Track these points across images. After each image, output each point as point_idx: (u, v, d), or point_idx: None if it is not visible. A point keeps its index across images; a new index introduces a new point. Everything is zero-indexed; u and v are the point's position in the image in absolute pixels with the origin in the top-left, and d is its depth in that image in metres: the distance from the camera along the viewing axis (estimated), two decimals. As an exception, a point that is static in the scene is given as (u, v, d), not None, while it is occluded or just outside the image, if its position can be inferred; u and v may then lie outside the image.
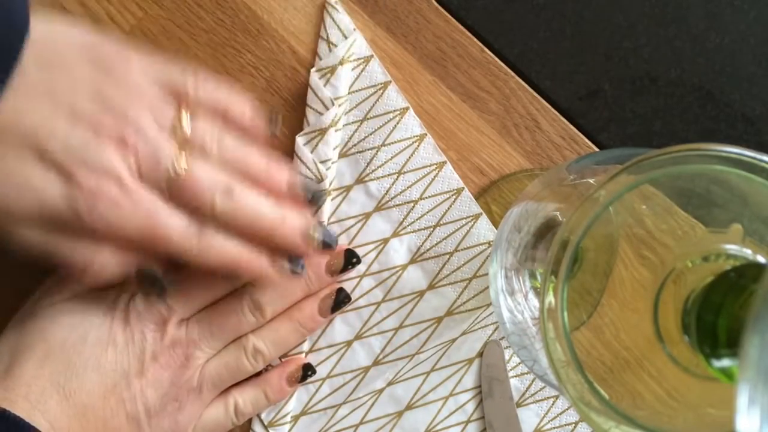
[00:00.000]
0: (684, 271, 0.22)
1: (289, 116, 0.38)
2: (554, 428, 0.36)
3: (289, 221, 0.32)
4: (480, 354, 0.36)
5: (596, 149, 0.38)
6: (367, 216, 0.37)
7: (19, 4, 0.27)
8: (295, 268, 0.33)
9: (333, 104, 0.36)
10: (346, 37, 0.37)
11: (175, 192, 0.30)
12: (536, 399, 0.36)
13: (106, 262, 0.30)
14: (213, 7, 0.38)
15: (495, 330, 0.36)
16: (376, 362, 0.36)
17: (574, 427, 0.36)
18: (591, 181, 0.24)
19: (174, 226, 0.29)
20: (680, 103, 0.38)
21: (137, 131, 0.29)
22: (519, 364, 0.36)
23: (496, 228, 0.37)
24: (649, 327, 0.22)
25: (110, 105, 0.29)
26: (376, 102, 0.37)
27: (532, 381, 0.36)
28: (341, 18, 0.37)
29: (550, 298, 0.21)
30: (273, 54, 0.38)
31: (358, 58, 0.37)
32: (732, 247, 0.21)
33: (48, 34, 0.29)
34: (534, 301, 0.27)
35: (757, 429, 0.15)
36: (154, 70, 0.31)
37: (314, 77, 0.37)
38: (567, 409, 0.36)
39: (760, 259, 0.21)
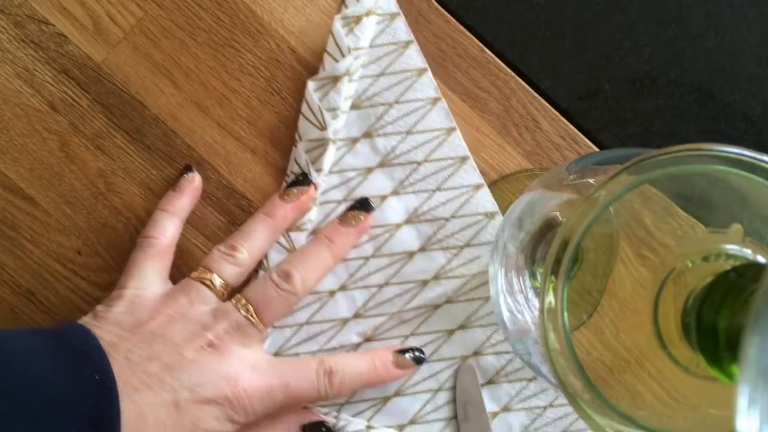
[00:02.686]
0: (684, 271, 0.22)
1: (288, 116, 0.38)
2: (523, 409, 0.36)
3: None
4: (462, 327, 0.36)
5: (596, 149, 0.38)
6: (369, 170, 0.37)
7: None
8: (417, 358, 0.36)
9: (350, 53, 0.36)
10: None
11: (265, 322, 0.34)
12: (510, 379, 0.36)
13: None
14: (213, 7, 0.38)
15: (482, 306, 0.36)
16: (356, 315, 0.36)
17: (543, 411, 0.36)
18: (591, 181, 0.24)
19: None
20: (680, 103, 0.38)
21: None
22: (498, 342, 0.36)
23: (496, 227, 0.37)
24: (649, 327, 0.22)
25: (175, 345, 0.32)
26: (395, 59, 0.37)
27: (509, 361, 0.36)
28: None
29: (550, 298, 0.21)
30: (273, 54, 0.38)
31: (384, 13, 0.37)
32: (732, 247, 0.21)
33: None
34: (534, 301, 0.27)
35: (757, 429, 0.15)
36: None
37: (337, 24, 0.37)
38: (539, 392, 0.36)
39: (760, 259, 0.21)
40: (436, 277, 0.36)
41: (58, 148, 0.38)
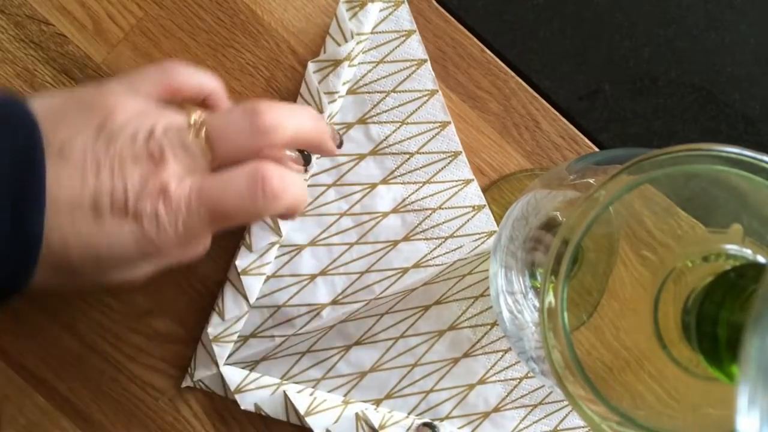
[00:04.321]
0: (684, 271, 0.22)
1: (289, 116, 0.38)
2: (499, 381, 0.37)
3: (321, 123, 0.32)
4: (437, 302, 0.37)
5: (596, 149, 0.38)
6: (360, 157, 0.37)
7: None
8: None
9: (352, 38, 0.36)
10: None
11: (218, 153, 0.29)
12: (486, 351, 0.37)
13: (200, 251, 0.31)
14: (213, 7, 0.38)
15: (458, 282, 0.37)
16: (334, 301, 0.36)
17: (519, 382, 0.37)
18: (591, 181, 0.24)
19: (232, 194, 0.29)
20: (680, 103, 0.38)
21: (155, 140, 0.29)
22: (473, 315, 0.37)
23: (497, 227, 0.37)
24: (649, 327, 0.22)
25: (117, 135, 0.28)
26: (396, 47, 0.37)
27: (485, 333, 0.37)
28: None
29: (550, 298, 0.21)
30: (273, 54, 0.38)
31: (389, 0, 0.37)
32: (732, 247, 0.21)
33: (42, 109, 0.28)
34: (534, 301, 0.27)
35: (757, 429, 0.15)
36: (129, 85, 0.31)
37: (341, 8, 0.37)
38: (515, 364, 0.37)
39: (760, 259, 0.21)
40: (416, 266, 0.36)
41: (58, 148, 0.37)
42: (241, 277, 0.36)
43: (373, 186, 0.37)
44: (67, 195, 0.27)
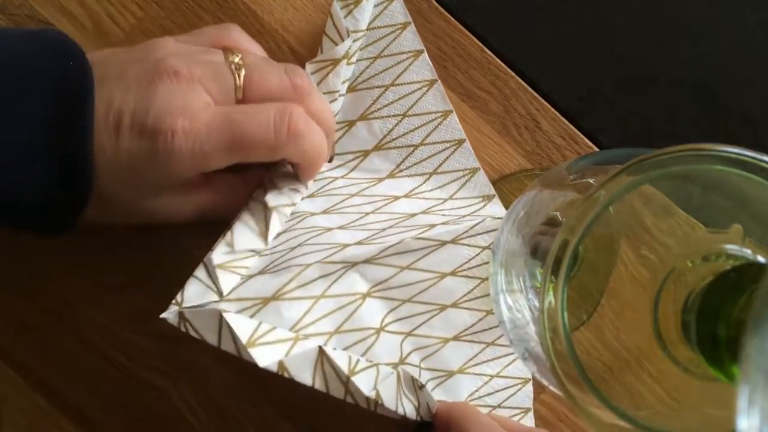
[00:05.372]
0: (684, 271, 0.22)
1: (289, 116, 0.38)
2: (474, 374, 0.36)
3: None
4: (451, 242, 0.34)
5: (596, 149, 0.38)
6: (365, 154, 0.37)
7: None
8: None
9: (349, 36, 0.36)
10: None
11: (248, 95, 0.30)
12: (472, 340, 0.36)
13: (230, 201, 0.32)
14: (213, 7, 0.38)
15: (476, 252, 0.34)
16: (359, 242, 0.32)
17: (490, 379, 0.36)
18: (591, 181, 0.24)
19: (257, 122, 0.29)
20: (680, 103, 0.38)
21: (192, 66, 0.29)
22: (476, 298, 0.35)
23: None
24: (649, 327, 0.22)
25: (152, 60, 0.29)
26: (392, 41, 0.37)
27: (480, 319, 0.35)
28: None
29: (550, 298, 0.21)
30: (273, 54, 0.38)
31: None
32: (732, 247, 0.21)
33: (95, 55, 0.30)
34: (534, 301, 0.27)
35: (757, 429, 0.15)
36: (182, 38, 0.32)
37: (336, 6, 0.37)
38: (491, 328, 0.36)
39: (760, 259, 0.21)
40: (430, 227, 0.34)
41: (58, 148, 0.37)
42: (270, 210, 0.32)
43: (380, 180, 0.37)
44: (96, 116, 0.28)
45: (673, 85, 0.38)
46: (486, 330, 0.36)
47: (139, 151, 0.28)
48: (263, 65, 0.31)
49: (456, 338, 0.35)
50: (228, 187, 0.32)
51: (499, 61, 0.38)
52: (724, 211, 0.22)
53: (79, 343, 0.36)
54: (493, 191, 0.36)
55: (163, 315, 0.27)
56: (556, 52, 0.39)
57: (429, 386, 0.35)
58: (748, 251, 0.21)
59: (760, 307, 0.15)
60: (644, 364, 0.22)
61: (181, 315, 0.27)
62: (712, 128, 0.38)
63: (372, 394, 0.28)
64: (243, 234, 0.30)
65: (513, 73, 0.38)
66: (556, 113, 0.38)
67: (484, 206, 0.36)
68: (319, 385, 0.28)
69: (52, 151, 0.27)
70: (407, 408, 0.31)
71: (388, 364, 0.31)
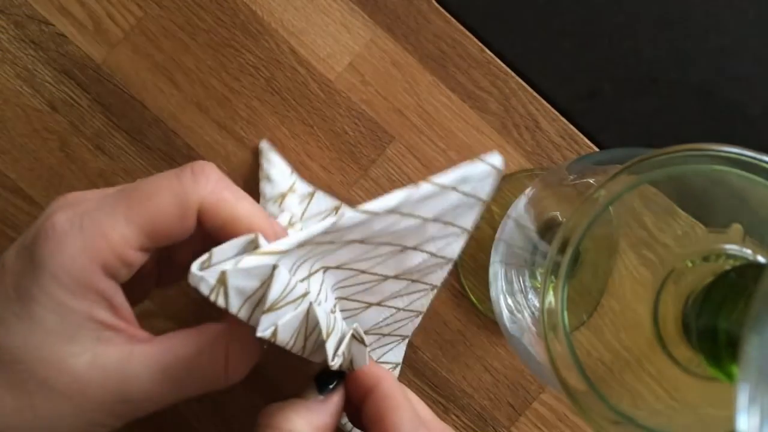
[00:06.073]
0: (684, 271, 0.22)
1: (289, 116, 0.38)
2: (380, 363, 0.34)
3: None
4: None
5: (596, 149, 0.38)
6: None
7: None
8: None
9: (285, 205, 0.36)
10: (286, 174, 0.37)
11: None
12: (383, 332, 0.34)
13: None
14: (213, 7, 0.38)
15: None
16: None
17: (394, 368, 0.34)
18: (591, 181, 0.24)
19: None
20: (680, 103, 0.38)
21: None
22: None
23: (497, 227, 0.37)
24: (649, 327, 0.22)
25: None
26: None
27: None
28: (277, 160, 0.37)
29: (550, 298, 0.21)
30: (273, 54, 0.38)
31: (303, 194, 0.37)
32: (732, 247, 0.21)
33: None
34: (534, 301, 0.27)
35: (757, 429, 0.15)
36: None
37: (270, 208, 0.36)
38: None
39: (760, 259, 0.21)
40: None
41: (58, 148, 0.38)
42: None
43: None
44: None
45: (673, 85, 0.38)
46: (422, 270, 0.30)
47: None
48: None
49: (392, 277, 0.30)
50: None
51: (499, 61, 0.38)
52: (724, 211, 0.22)
53: (79, 343, 0.36)
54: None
55: (188, 280, 0.23)
56: (556, 52, 0.39)
57: (340, 316, 0.29)
58: (748, 251, 0.21)
59: (759, 307, 0.15)
60: (644, 364, 0.22)
61: (212, 277, 0.23)
62: (712, 128, 0.38)
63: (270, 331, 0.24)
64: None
65: (513, 73, 0.38)
66: (556, 113, 0.38)
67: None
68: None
69: None
70: (308, 346, 0.26)
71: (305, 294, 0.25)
